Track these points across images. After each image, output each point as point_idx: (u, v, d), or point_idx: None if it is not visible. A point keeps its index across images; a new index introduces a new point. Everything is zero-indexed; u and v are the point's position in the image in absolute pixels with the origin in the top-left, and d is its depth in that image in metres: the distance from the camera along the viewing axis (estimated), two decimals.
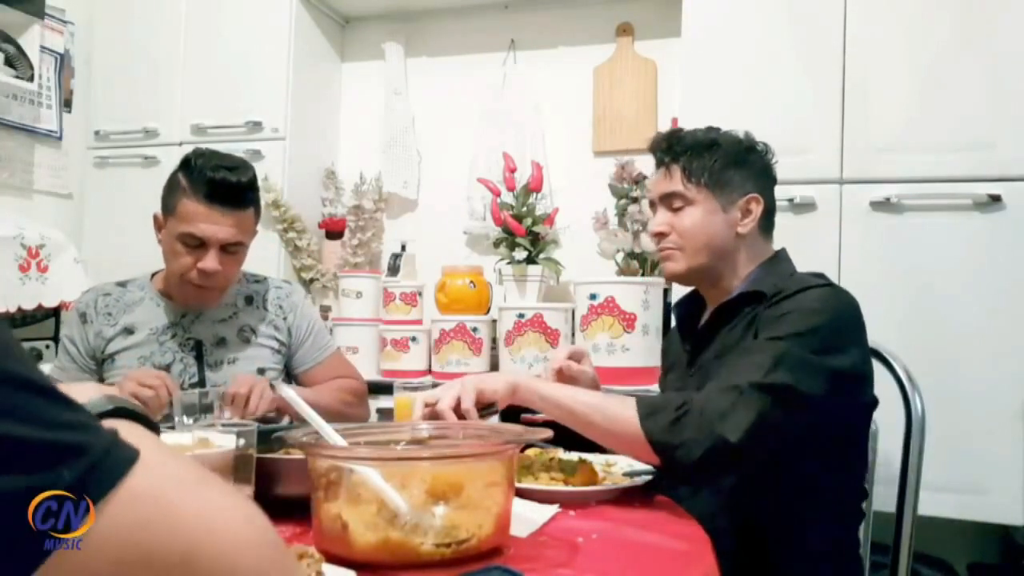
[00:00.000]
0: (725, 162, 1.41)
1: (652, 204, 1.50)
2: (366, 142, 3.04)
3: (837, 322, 1.25)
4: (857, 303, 1.30)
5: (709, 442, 1.13)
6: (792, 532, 1.30)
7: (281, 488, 1.07)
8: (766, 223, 1.45)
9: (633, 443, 1.19)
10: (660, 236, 1.45)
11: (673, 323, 1.63)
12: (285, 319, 1.86)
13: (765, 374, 1.17)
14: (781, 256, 1.46)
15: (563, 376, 1.45)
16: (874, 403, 1.35)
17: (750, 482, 1.28)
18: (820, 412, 1.20)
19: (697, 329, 1.48)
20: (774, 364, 1.17)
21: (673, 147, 1.44)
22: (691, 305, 1.55)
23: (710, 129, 1.46)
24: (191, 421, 1.45)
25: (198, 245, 1.64)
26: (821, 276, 1.37)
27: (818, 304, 1.25)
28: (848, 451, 1.35)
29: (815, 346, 1.20)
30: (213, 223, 1.62)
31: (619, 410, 1.20)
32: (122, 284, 1.80)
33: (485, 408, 1.30)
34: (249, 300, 1.84)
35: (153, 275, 1.83)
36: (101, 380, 1.72)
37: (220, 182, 1.62)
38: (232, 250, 1.68)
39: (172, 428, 1.35)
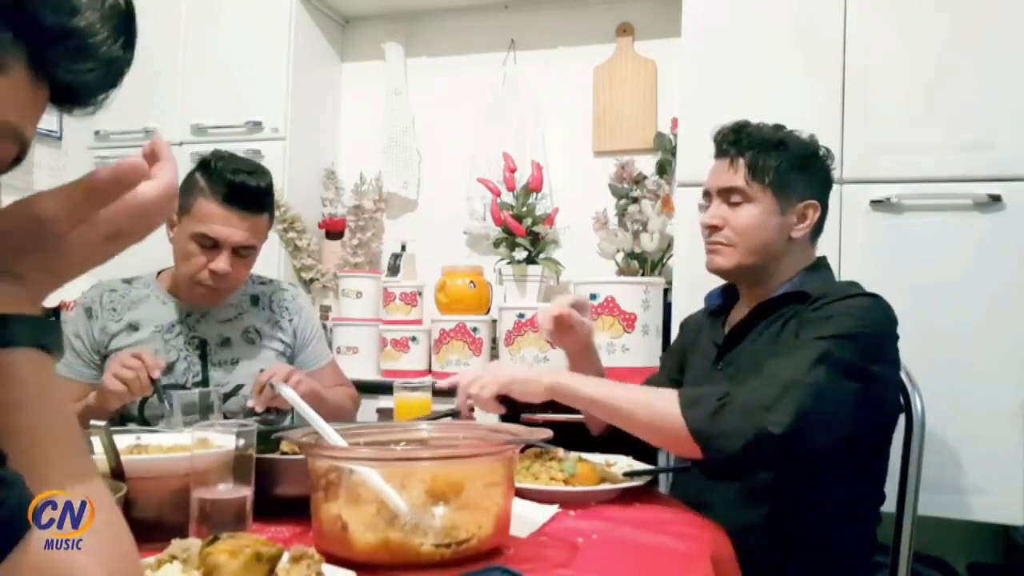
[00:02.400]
0: (791, 164, 1.40)
1: (707, 194, 1.48)
2: (366, 142, 3.04)
3: (879, 332, 1.27)
4: (896, 316, 1.31)
5: (752, 433, 1.12)
6: (817, 532, 1.30)
7: (281, 488, 1.07)
8: (816, 229, 1.45)
9: (676, 436, 1.17)
10: (712, 229, 1.43)
11: (668, 315, 1.61)
12: (291, 321, 1.86)
13: (808, 371, 1.16)
14: (824, 263, 1.48)
15: (562, 323, 1.44)
16: (900, 411, 1.41)
17: (778, 481, 1.27)
18: (856, 415, 1.21)
19: (732, 324, 1.47)
20: (817, 361, 1.17)
21: (740, 140, 1.42)
22: (725, 297, 1.55)
23: (777, 127, 1.45)
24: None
25: (212, 246, 1.65)
26: (857, 286, 1.38)
27: (863, 312, 1.26)
28: (874, 456, 1.37)
29: (856, 350, 1.21)
30: (229, 225, 1.63)
31: (662, 403, 1.19)
32: (128, 281, 1.81)
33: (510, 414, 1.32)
34: (255, 301, 1.85)
35: (159, 273, 1.83)
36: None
37: (239, 185, 1.63)
38: (244, 253, 1.69)
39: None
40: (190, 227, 1.65)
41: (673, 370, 1.63)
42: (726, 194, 1.42)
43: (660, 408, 1.18)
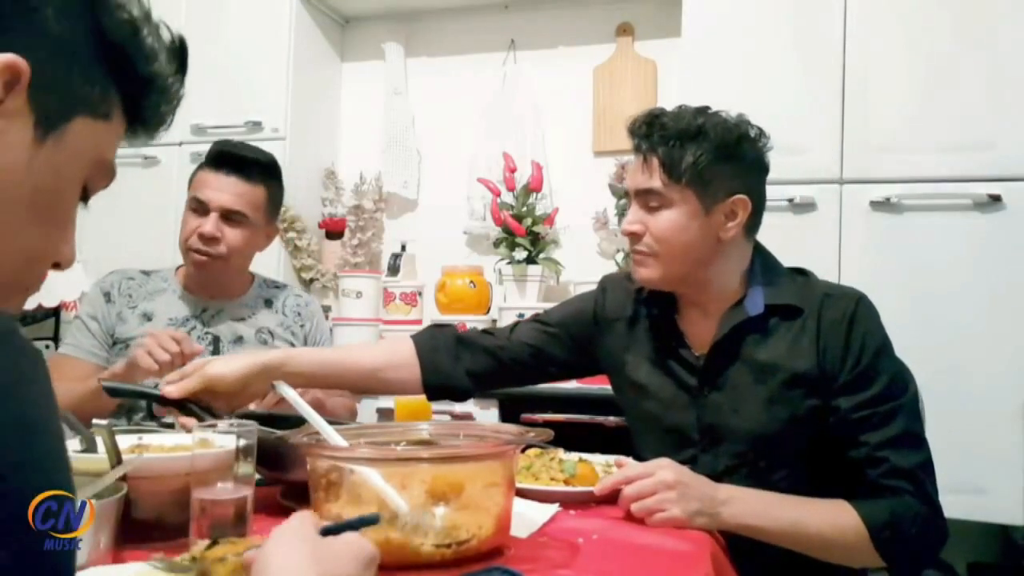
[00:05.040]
0: (712, 157, 1.22)
1: (627, 194, 1.35)
2: (366, 142, 3.04)
3: (900, 365, 1.28)
4: (877, 312, 1.30)
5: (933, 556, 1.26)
6: None
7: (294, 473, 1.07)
8: (752, 223, 1.29)
9: (864, 563, 1.21)
10: (633, 236, 1.29)
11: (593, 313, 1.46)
12: (303, 326, 1.89)
13: (920, 451, 1.22)
14: (765, 252, 1.35)
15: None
16: None
17: (784, 482, 1.24)
18: None
19: (696, 339, 1.32)
20: (917, 439, 1.23)
21: (652, 134, 1.25)
22: (665, 305, 1.36)
23: (699, 112, 1.27)
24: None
25: (202, 211, 1.71)
26: (805, 273, 1.34)
27: (883, 336, 1.25)
28: None
29: (917, 410, 1.27)
30: (217, 189, 1.71)
31: (854, 539, 1.16)
32: (146, 273, 1.84)
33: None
34: (268, 304, 1.87)
35: (177, 268, 1.86)
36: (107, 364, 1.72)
37: (227, 152, 1.74)
38: (234, 219, 1.73)
39: (172, 427, 1.36)
40: (188, 198, 1.75)
41: (564, 343, 1.44)
42: (644, 197, 1.27)
43: (849, 544, 1.17)
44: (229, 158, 1.73)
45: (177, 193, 2.77)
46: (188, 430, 1.17)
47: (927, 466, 1.22)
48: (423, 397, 1.53)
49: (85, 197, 0.61)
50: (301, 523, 0.67)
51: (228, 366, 1.23)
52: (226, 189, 1.71)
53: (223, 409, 1.22)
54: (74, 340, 1.76)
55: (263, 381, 1.26)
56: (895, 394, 1.21)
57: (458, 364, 1.41)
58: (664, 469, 1.13)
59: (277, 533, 0.65)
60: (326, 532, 0.67)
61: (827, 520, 1.16)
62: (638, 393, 1.37)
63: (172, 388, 1.19)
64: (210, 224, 1.70)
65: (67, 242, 0.61)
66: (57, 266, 0.61)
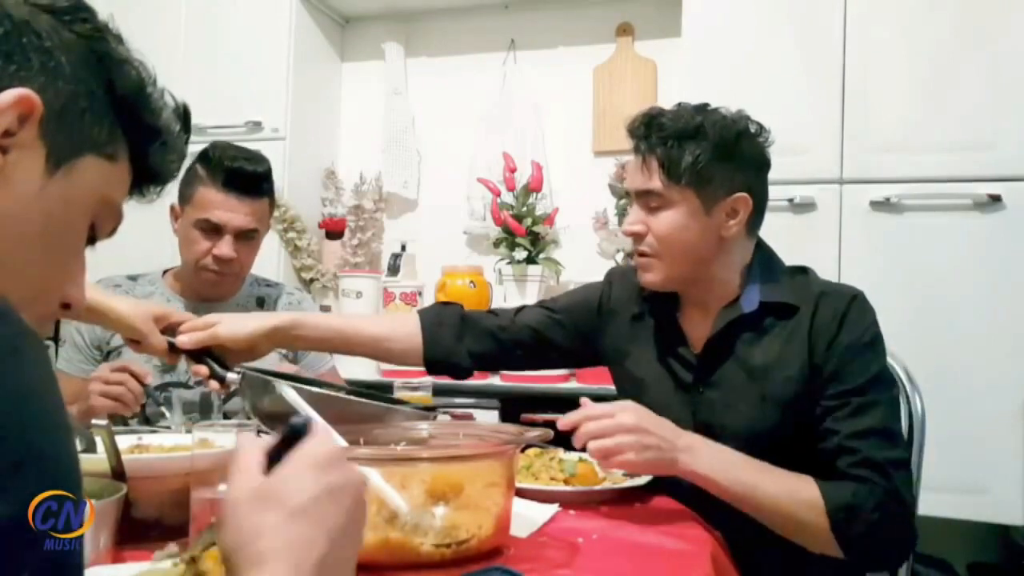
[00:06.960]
0: (711, 155, 1.22)
1: (628, 195, 1.37)
2: (366, 142, 3.03)
3: (885, 366, 1.26)
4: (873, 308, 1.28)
5: (901, 547, 1.19)
6: None
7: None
8: (754, 220, 1.29)
9: (818, 544, 1.16)
10: (635, 236, 1.29)
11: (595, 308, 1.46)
12: None
13: (895, 448, 1.18)
14: (766, 249, 1.35)
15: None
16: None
17: None
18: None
19: (694, 336, 1.33)
20: (894, 437, 1.20)
21: (651, 135, 1.25)
22: (667, 303, 1.37)
23: (698, 110, 1.27)
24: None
25: (214, 232, 1.68)
26: (805, 272, 1.33)
27: (873, 333, 1.23)
28: None
29: (894, 405, 1.26)
30: (229, 210, 1.67)
31: (806, 512, 1.13)
32: (133, 278, 1.82)
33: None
34: (260, 303, 1.86)
35: (164, 272, 1.84)
36: None
37: (237, 171, 1.68)
38: (247, 238, 1.72)
39: (168, 428, 1.36)
40: (192, 215, 1.69)
41: (568, 330, 1.45)
42: (644, 198, 1.27)
43: (804, 518, 1.13)
44: (239, 179, 1.68)
45: (175, 195, 2.78)
46: (201, 376, 1.27)
47: (901, 464, 1.18)
48: (424, 396, 1.54)
49: (92, 240, 0.65)
50: (243, 474, 0.59)
51: (238, 326, 1.29)
52: (239, 210, 1.68)
53: (232, 362, 1.28)
54: (66, 355, 1.76)
55: (271, 343, 1.34)
56: (875, 389, 1.19)
57: (460, 343, 1.44)
58: (625, 412, 1.13)
59: (225, 504, 0.58)
60: (271, 460, 0.59)
61: (784, 489, 1.14)
62: (637, 387, 1.38)
63: (185, 338, 1.26)
64: (227, 247, 1.68)
65: (75, 283, 0.64)
66: (67, 307, 0.64)
